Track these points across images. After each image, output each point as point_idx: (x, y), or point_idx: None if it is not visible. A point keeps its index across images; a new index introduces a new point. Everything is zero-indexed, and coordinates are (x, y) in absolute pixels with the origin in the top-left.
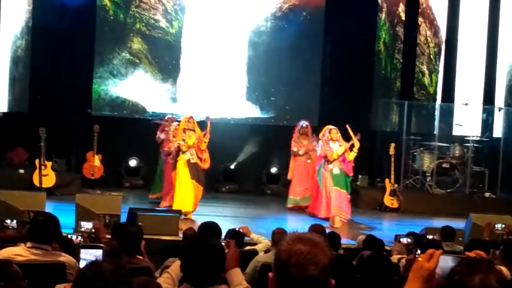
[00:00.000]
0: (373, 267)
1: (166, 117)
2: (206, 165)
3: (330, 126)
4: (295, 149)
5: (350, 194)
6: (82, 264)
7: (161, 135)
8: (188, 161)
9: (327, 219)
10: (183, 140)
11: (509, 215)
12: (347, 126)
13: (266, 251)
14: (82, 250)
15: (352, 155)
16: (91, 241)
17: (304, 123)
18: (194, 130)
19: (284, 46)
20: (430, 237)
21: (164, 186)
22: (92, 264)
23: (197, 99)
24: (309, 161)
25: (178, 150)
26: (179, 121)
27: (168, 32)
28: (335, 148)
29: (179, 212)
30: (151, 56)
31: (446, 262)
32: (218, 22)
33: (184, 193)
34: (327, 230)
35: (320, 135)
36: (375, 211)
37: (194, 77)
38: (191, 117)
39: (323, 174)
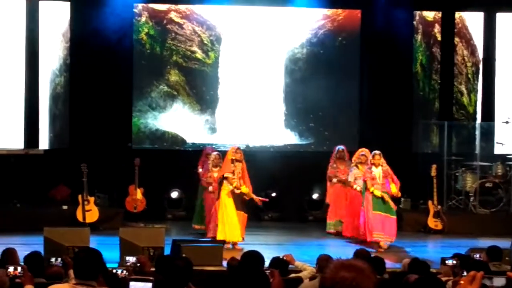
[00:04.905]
0: None
1: (206, 149)
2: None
3: (364, 150)
4: (331, 175)
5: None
6: None
7: (199, 169)
8: (232, 191)
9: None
10: (232, 172)
11: None
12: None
13: (312, 278)
14: (131, 284)
15: (394, 190)
16: (136, 274)
17: (340, 147)
18: (241, 161)
19: (321, 72)
20: (477, 256)
21: (206, 217)
22: None
23: (236, 128)
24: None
25: (222, 180)
26: (218, 151)
27: (205, 63)
28: (377, 172)
29: (222, 242)
30: (189, 88)
31: (499, 283)
32: (254, 51)
33: (230, 223)
34: (372, 255)
35: (353, 158)
36: (419, 233)
37: (232, 106)
38: (238, 148)
39: (366, 197)
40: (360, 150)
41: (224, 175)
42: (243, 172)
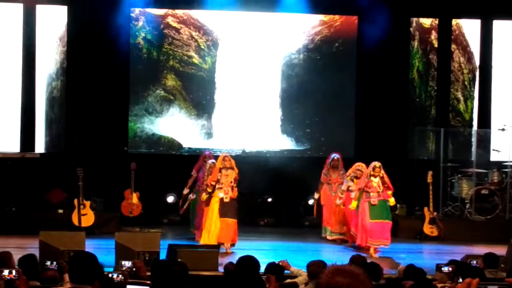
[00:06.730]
0: None
1: (204, 153)
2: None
3: (360, 164)
4: (323, 181)
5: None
6: None
7: (194, 173)
8: (222, 199)
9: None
10: (218, 180)
11: None
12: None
13: (307, 284)
14: (128, 287)
15: (390, 200)
16: (131, 279)
17: (335, 155)
18: (232, 168)
19: (317, 78)
20: (474, 263)
21: (196, 221)
22: None
23: (232, 133)
24: (333, 193)
25: (213, 187)
26: (215, 157)
27: (202, 68)
28: (375, 181)
29: (218, 247)
30: (186, 92)
31: None
32: (251, 56)
33: (209, 228)
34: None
35: (349, 171)
36: (415, 240)
37: (229, 111)
38: (227, 156)
39: (361, 205)
40: (357, 164)
41: (211, 183)
42: (235, 180)
